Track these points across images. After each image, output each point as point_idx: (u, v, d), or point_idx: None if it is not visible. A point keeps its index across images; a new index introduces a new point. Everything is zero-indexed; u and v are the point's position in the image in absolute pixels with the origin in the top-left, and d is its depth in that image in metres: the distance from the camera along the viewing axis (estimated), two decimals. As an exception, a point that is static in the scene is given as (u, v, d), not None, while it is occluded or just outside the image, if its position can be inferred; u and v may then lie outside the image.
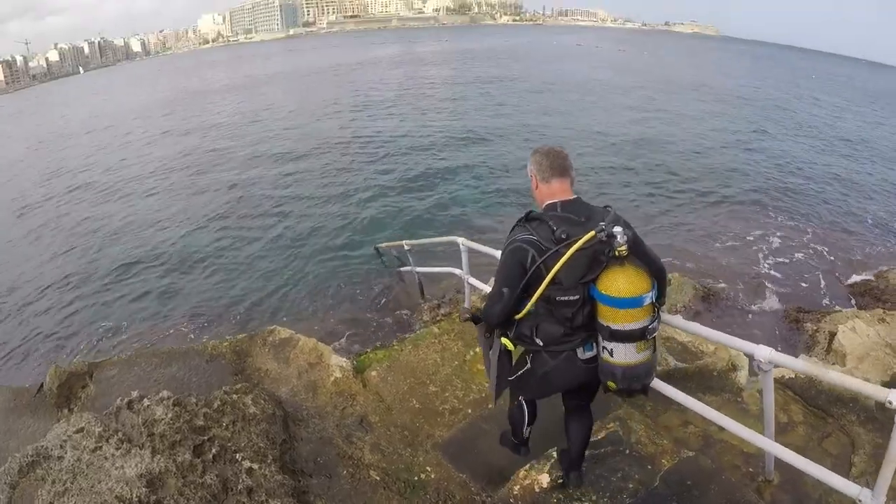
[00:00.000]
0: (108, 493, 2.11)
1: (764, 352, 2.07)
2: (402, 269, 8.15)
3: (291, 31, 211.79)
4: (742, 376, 3.69)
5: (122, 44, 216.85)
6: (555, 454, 2.77)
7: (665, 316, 2.52)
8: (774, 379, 2.27)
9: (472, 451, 3.15)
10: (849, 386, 1.91)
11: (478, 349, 3.79)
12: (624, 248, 1.79)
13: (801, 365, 2.09)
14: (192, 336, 7.39)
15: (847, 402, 3.31)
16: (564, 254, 1.85)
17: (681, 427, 3.23)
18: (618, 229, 1.80)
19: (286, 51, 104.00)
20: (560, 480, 2.66)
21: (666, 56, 71.74)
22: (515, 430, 2.57)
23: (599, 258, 1.86)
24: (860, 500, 1.86)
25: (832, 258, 9.21)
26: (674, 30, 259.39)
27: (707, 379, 3.69)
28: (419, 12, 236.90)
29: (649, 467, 2.71)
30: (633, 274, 1.84)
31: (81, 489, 2.15)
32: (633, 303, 1.84)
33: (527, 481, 2.73)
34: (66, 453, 2.32)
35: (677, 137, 18.45)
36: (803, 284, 8.22)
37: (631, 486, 2.61)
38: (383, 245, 8.86)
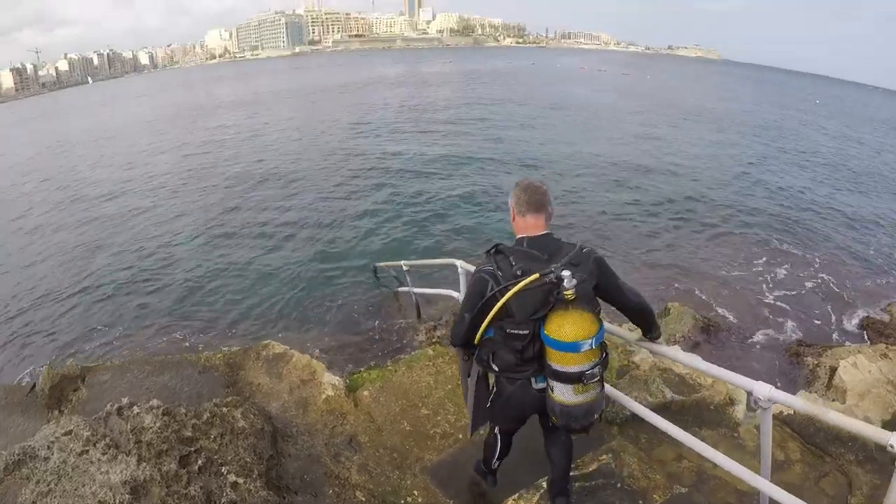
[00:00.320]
0: (91, 497, 2.11)
1: (763, 389, 2.03)
2: (399, 289, 8.12)
3: (297, 49, 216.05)
4: (739, 410, 3.65)
5: (131, 56, 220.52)
6: (544, 484, 2.71)
7: (663, 348, 2.53)
8: (773, 415, 2.24)
9: (460, 477, 3.08)
10: (849, 428, 1.87)
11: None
12: (570, 292, 1.84)
13: (801, 404, 2.04)
14: (188, 344, 7.35)
15: (845, 441, 3.27)
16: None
17: (674, 461, 3.17)
18: (566, 273, 1.84)
19: (292, 68, 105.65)
20: None
21: (669, 80, 72.88)
22: (487, 460, 2.67)
23: (549, 298, 1.91)
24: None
25: (835, 291, 9.12)
26: (677, 53, 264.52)
27: (704, 412, 3.65)
28: (423, 33, 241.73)
29: (641, 502, 2.65)
30: (576, 318, 1.89)
31: (65, 491, 2.15)
32: (570, 347, 1.89)
33: (515, 511, 2.67)
34: (52, 454, 2.32)
35: (681, 163, 18.49)
36: (805, 317, 8.12)
37: (621, 521, 2.54)
38: (382, 264, 8.83)
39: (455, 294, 5.12)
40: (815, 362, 5.60)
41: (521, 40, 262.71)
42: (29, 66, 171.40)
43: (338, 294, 8.70)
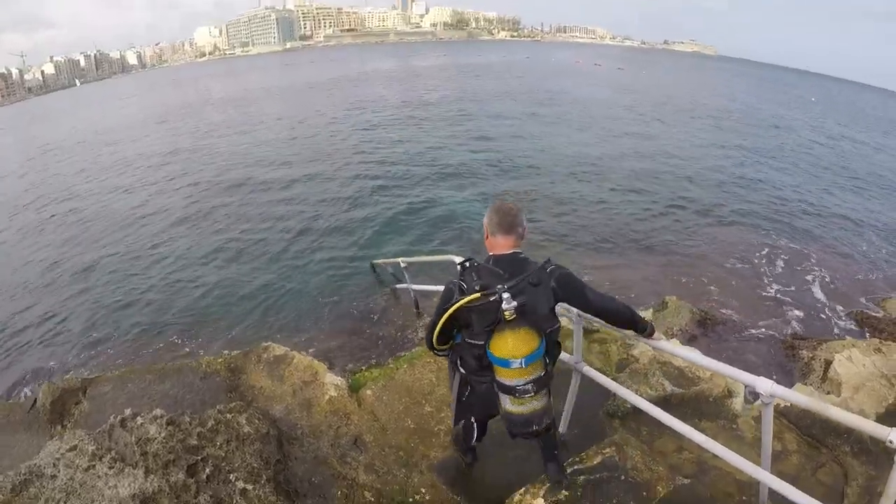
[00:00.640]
0: (101, 513, 2.09)
1: (766, 384, 2.07)
2: (397, 286, 8.13)
3: (288, 45, 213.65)
4: (738, 403, 3.70)
5: (118, 57, 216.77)
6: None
7: (664, 344, 2.60)
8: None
9: (467, 473, 3.13)
10: (851, 424, 1.92)
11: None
12: (507, 313, 2.00)
13: (804, 400, 2.09)
14: (186, 349, 7.33)
15: (841, 433, 3.32)
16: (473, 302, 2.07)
17: (675, 453, 3.23)
18: (506, 296, 2.00)
19: (283, 65, 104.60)
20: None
21: (665, 76, 72.81)
22: (466, 440, 2.88)
23: (497, 315, 2.05)
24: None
25: (831, 285, 9.23)
26: (673, 49, 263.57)
27: (703, 405, 3.71)
28: (417, 27, 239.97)
29: (645, 494, 2.69)
30: (510, 337, 2.06)
31: (75, 508, 2.13)
32: (501, 362, 2.09)
33: (522, 505, 2.71)
34: (59, 472, 2.31)
35: (675, 159, 18.57)
36: (800, 311, 8.21)
37: (627, 514, 2.58)
38: (379, 262, 8.84)
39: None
40: (811, 355, 5.66)
41: (515, 34, 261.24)
42: (14, 71, 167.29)
43: (335, 293, 8.69)
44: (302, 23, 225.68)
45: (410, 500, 2.94)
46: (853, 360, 4.53)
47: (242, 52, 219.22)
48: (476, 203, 12.96)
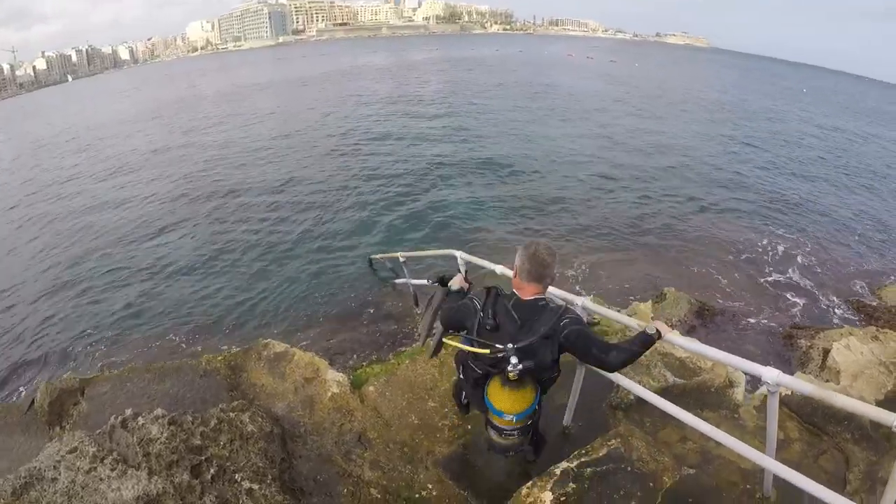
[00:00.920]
0: (105, 516, 2.06)
1: (772, 374, 2.09)
2: (396, 281, 8.09)
3: (281, 39, 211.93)
4: (739, 392, 3.71)
5: (110, 52, 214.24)
6: (557, 471, 2.76)
7: (679, 339, 2.58)
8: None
9: (473, 467, 3.13)
10: (857, 410, 1.93)
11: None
12: (512, 374, 2.13)
13: (809, 388, 2.10)
14: (184, 347, 7.28)
15: (842, 420, 3.34)
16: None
17: (679, 443, 3.24)
18: (514, 360, 2.11)
19: (275, 59, 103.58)
20: (563, 499, 2.64)
21: (657, 68, 72.81)
22: (457, 397, 3.14)
23: (499, 365, 2.20)
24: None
25: (828, 274, 9.33)
26: (665, 41, 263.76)
27: (704, 395, 3.71)
28: (409, 21, 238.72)
29: (651, 485, 2.71)
30: (508, 394, 2.26)
31: (78, 512, 2.10)
32: (496, 412, 2.31)
33: (529, 499, 2.68)
34: (59, 475, 2.27)
35: (670, 151, 18.64)
36: (797, 300, 8.30)
37: (633, 504, 2.60)
38: (377, 256, 8.78)
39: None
40: (809, 344, 5.71)
41: (508, 27, 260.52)
42: (6, 67, 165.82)
43: (333, 289, 8.64)
44: (294, 17, 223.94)
45: (417, 495, 2.93)
46: (851, 349, 4.56)
47: (235, 46, 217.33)
48: (469, 197, 12.96)
